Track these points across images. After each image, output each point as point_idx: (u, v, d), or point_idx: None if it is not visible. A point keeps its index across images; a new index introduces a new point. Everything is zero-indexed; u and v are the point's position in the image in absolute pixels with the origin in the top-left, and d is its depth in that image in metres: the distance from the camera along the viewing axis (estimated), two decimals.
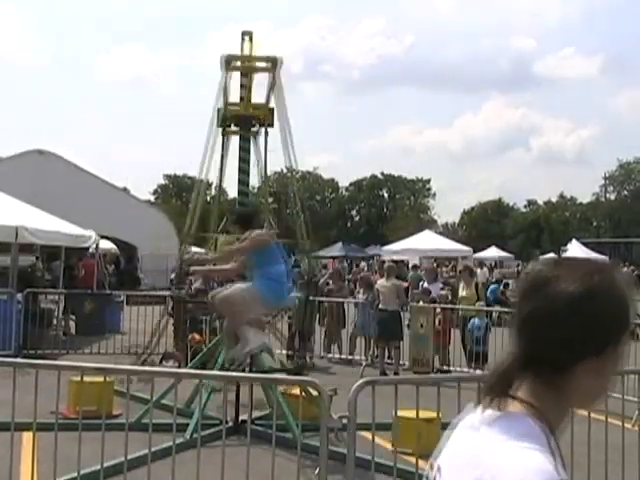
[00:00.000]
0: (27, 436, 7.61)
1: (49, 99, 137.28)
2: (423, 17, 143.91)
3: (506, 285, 29.57)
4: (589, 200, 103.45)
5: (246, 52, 11.16)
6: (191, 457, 6.69)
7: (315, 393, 6.79)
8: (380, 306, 16.64)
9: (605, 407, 6.85)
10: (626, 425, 7.15)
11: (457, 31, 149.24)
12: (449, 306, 17.35)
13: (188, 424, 9.49)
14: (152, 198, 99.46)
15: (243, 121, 10.73)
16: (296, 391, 10.13)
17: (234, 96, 11.07)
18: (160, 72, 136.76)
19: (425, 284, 20.17)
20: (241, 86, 10.77)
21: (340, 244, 76.17)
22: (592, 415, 6.71)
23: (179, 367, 14.37)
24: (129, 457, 6.64)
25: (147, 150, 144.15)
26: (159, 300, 18.63)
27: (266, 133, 11.17)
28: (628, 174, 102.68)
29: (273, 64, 10.57)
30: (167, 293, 19.03)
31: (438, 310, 16.99)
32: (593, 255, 72.50)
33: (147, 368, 7.05)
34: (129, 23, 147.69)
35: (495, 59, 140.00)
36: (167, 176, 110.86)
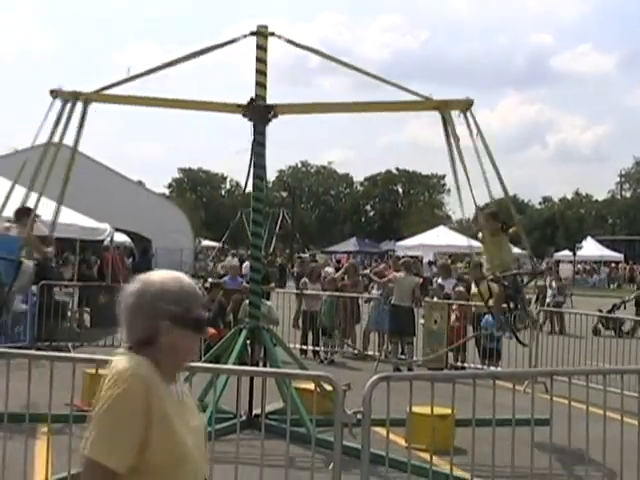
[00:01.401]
0: (42, 428, 7.65)
1: None
2: (438, 13, 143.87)
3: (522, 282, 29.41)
4: (605, 197, 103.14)
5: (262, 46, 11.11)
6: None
7: (329, 388, 6.79)
8: (393, 302, 16.63)
9: (621, 406, 6.86)
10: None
11: (472, 27, 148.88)
12: (463, 302, 17.29)
13: None
14: (167, 192, 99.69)
15: (259, 111, 10.67)
16: (310, 386, 10.17)
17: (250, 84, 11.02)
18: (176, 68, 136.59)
19: (439, 280, 20.13)
20: (258, 72, 10.69)
21: (354, 239, 76.18)
22: (608, 414, 6.72)
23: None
24: None
25: (162, 144, 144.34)
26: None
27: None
28: None
29: None
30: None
31: (454, 307, 16.94)
32: (607, 252, 72.40)
33: None
34: (137, 21, 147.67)
35: (511, 55, 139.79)
36: (182, 170, 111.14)
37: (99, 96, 10.90)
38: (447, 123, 9.85)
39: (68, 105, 10.62)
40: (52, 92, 10.65)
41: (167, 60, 11.15)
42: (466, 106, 9.76)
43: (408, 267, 17.54)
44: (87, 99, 10.67)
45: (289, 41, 10.82)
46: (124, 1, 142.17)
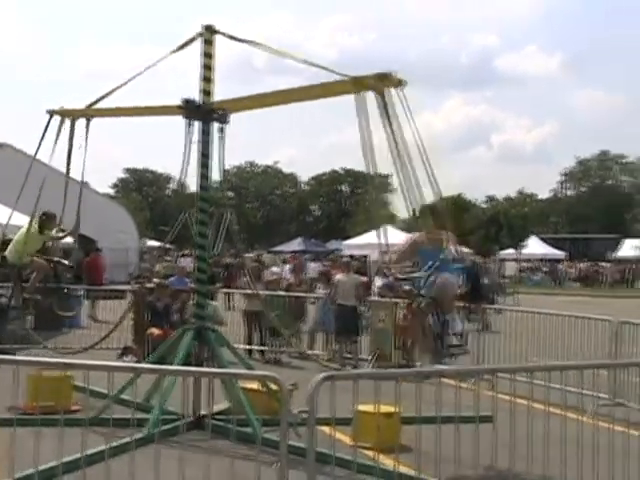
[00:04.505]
0: None
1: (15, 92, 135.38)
2: (386, 13, 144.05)
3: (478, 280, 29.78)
4: (548, 196, 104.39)
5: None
6: (151, 452, 6.67)
7: (275, 388, 6.79)
8: (338, 301, 16.70)
9: (564, 401, 6.97)
10: (583, 419, 7.23)
11: (419, 28, 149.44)
12: (409, 301, 17.34)
13: (148, 419, 9.45)
14: (112, 192, 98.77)
15: (205, 113, 10.66)
16: (256, 386, 10.16)
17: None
18: (120, 66, 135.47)
19: (377, 279, 20.25)
20: (204, 78, 10.70)
21: (300, 239, 76.07)
22: (548, 409, 6.81)
23: (137, 362, 14.32)
24: (88, 453, 6.61)
25: (107, 144, 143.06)
26: (119, 294, 18.55)
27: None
28: (586, 171, 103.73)
29: None
30: (128, 287, 18.95)
31: (401, 305, 17.01)
32: (551, 250, 73.31)
33: (106, 363, 6.99)
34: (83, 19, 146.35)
35: (456, 56, 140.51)
36: (127, 170, 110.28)
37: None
38: (386, 102, 9.64)
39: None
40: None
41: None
42: (401, 82, 9.56)
43: (349, 267, 17.66)
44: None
45: (232, 37, 10.82)
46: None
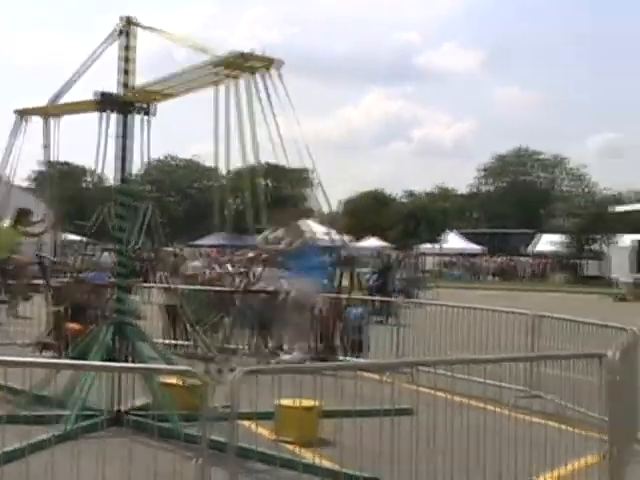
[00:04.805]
0: None
1: None
2: (308, 8, 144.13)
3: (389, 275, 30.20)
4: (467, 191, 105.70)
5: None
6: (69, 449, 6.58)
7: (195, 382, 6.75)
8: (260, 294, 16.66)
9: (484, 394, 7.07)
10: (502, 410, 7.35)
11: (341, 23, 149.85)
12: (332, 295, 17.44)
13: (66, 416, 9.31)
14: (29, 184, 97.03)
15: (123, 106, 10.56)
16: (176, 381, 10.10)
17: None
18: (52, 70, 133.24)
19: None
20: (124, 71, 10.58)
21: (220, 233, 75.77)
22: (466, 401, 6.91)
23: (57, 357, 14.10)
24: (5, 450, 6.49)
25: (25, 136, 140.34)
26: (35, 288, 18.20)
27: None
28: (504, 167, 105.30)
29: None
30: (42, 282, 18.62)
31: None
32: (470, 245, 74.35)
33: (24, 359, 6.88)
34: None
35: (378, 51, 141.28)
36: (45, 162, 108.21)
37: None
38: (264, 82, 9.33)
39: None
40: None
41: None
42: (272, 62, 9.30)
43: (269, 260, 17.66)
44: None
45: (149, 28, 10.72)
46: None
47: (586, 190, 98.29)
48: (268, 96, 9.38)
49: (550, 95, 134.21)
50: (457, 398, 7.00)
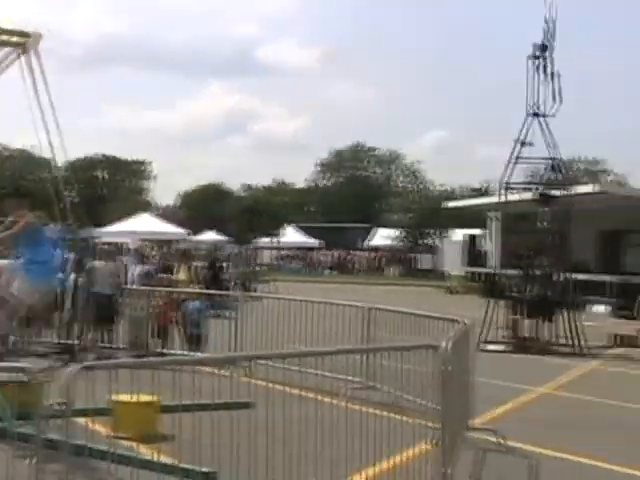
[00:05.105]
0: None
1: None
2: None
3: (220, 268, 30.25)
4: (305, 186, 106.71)
5: None
6: None
7: (28, 379, 6.59)
8: (94, 289, 16.39)
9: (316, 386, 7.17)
10: (339, 402, 7.48)
11: (183, 14, 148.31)
12: (167, 289, 17.34)
13: None
14: None
15: None
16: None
17: None
18: None
19: (133, 267, 20.13)
20: None
21: (53, 225, 73.91)
22: (303, 394, 7.00)
23: None
24: None
25: None
26: None
27: None
28: (341, 162, 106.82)
29: None
30: None
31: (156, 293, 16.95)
32: (308, 239, 75.09)
33: None
34: None
35: (217, 44, 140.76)
36: None
37: None
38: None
39: None
40: None
41: None
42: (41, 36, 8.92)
43: (107, 254, 17.42)
44: None
45: None
46: None
47: (420, 186, 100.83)
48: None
49: (384, 92, 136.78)
50: (295, 391, 7.07)
